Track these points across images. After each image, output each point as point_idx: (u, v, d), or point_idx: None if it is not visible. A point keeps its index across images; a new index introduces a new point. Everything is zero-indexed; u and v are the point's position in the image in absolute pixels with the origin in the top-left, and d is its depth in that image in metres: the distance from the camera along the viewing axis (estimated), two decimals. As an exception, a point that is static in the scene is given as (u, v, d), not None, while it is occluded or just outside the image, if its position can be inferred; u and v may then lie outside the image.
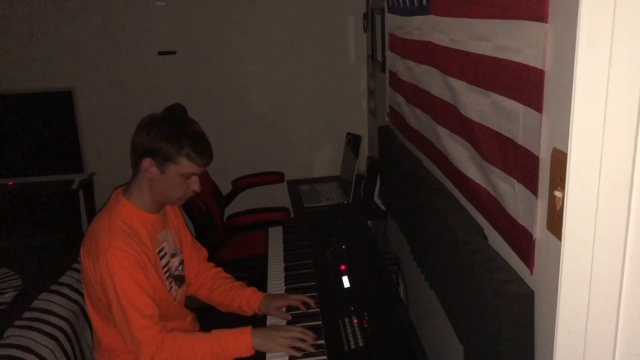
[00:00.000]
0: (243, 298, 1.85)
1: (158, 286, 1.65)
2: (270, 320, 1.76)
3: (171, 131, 1.59)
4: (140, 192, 1.66)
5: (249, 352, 1.58)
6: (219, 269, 1.99)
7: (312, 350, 1.55)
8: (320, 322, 1.69)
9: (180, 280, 1.83)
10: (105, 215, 1.64)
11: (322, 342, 1.60)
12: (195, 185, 1.65)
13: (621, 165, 0.76)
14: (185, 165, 1.59)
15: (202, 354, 1.56)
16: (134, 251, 1.56)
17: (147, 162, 1.59)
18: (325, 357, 1.53)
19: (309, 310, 1.76)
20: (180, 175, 1.61)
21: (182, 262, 1.86)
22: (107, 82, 3.34)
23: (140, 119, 1.68)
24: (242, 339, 1.58)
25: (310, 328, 1.65)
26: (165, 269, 1.73)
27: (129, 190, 1.68)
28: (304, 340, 1.57)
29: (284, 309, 1.79)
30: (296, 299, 1.79)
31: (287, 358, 1.55)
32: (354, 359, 1.50)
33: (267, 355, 1.57)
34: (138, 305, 1.54)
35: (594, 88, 0.75)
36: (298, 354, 1.54)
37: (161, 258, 1.72)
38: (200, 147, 1.61)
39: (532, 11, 0.93)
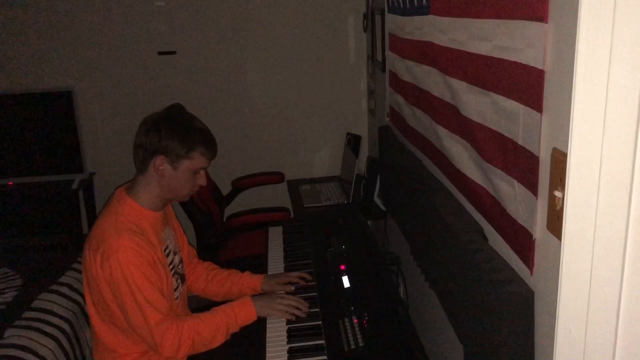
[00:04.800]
0: (243, 281, 1.94)
1: (167, 283, 1.69)
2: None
3: (182, 129, 1.66)
4: (147, 191, 1.69)
5: (254, 319, 1.73)
6: (208, 262, 2.06)
7: (305, 316, 1.72)
8: (320, 322, 1.69)
9: (182, 277, 1.86)
10: (111, 215, 1.65)
11: (322, 342, 1.60)
12: (202, 179, 1.74)
13: (621, 165, 0.76)
14: (197, 160, 1.68)
15: (215, 329, 1.67)
16: (143, 250, 1.60)
17: (159, 160, 1.64)
18: (325, 357, 1.53)
19: (309, 311, 1.76)
20: (192, 170, 1.68)
21: (181, 260, 1.88)
22: (107, 82, 3.34)
23: (142, 120, 1.70)
24: (247, 308, 1.73)
25: (310, 328, 1.66)
26: (170, 266, 1.76)
27: (134, 189, 1.69)
28: (299, 310, 1.74)
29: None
30: (295, 276, 1.93)
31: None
32: (354, 359, 1.50)
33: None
34: (153, 301, 1.60)
35: (594, 88, 0.75)
36: (293, 318, 1.72)
37: (167, 255, 1.75)
38: (210, 141, 1.71)
39: (532, 11, 0.93)
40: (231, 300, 1.78)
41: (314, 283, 1.89)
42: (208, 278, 1.98)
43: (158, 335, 1.60)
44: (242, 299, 1.76)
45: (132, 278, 1.57)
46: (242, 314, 1.71)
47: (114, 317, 1.66)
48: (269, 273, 2.02)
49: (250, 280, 1.94)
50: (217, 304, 1.79)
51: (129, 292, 1.57)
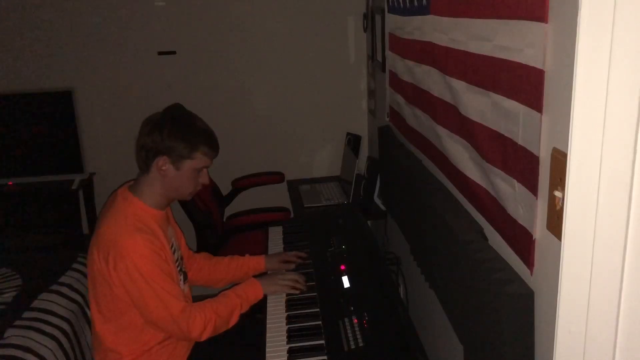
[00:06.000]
0: (248, 263, 2.06)
1: (176, 279, 1.72)
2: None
3: (185, 130, 1.68)
4: (151, 190, 1.70)
5: (260, 296, 1.84)
6: (204, 253, 2.13)
7: (305, 289, 1.87)
8: (320, 322, 1.69)
9: (185, 275, 1.88)
10: (119, 215, 1.66)
11: (322, 342, 1.60)
12: (205, 178, 1.76)
13: (621, 165, 0.76)
14: (200, 159, 1.69)
15: (231, 309, 1.75)
16: (156, 247, 1.63)
17: (161, 161, 1.65)
18: (325, 357, 1.53)
19: (309, 311, 1.76)
20: (194, 169, 1.70)
21: (182, 257, 1.90)
22: (107, 82, 3.34)
23: (144, 120, 1.71)
24: (256, 287, 1.83)
25: (310, 328, 1.67)
26: (177, 264, 1.78)
27: (138, 189, 1.70)
28: (299, 283, 1.88)
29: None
30: (292, 254, 2.08)
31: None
32: (354, 359, 1.50)
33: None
34: (172, 291, 1.65)
35: (594, 88, 0.75)
36: (294, 291, 1.87)
37: (173, 253, 1.77)
38: (212, 141, 1.73)
39: (532, 11, 0.93)
40: (236, 284, 1.86)
41: (314, 283, 1.91)
42: (211, 266, 2.04)
43: (184, 321, 1.65)
44: (249, 280, 1.86)
45: (150, 275, 1.60)
46: (251, 293, 1.81)
47: (120, 317, 1.68)
48: (268, 254, 2.15)
49: (253, 261, 2.06)
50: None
51: (148, 288, 1.60)
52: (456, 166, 1.43)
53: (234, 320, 1.76)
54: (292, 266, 2.03)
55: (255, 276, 1.96)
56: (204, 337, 1.71)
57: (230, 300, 1.77)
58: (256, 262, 2.06)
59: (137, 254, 1.58)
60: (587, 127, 0.77)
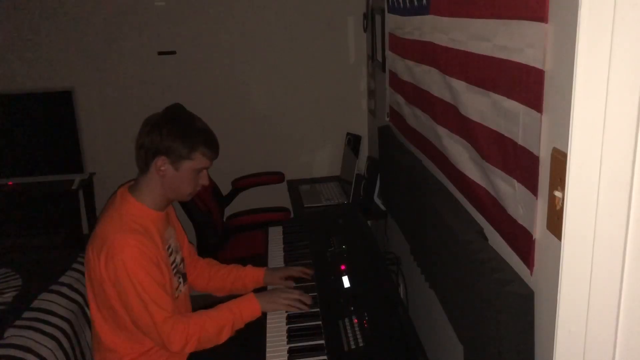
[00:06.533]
0: (247, 275, 1.97)
1: (170, 282, 1.70)
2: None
3: (184, 130, 1.66)
4: (150, 191, 1.69)
5: (258, 315, 1.74)
6: (209, 259, 2.07)
7: (308, 310, 1.74)
8: (320, 322, 1.69)
9: (184, 276, 1.87)
10: (115, 214, 1.65)
11: (322, 342, 1.60)
12: (204, 179, 1.73)
13: (621, 165, 0.76)
14: (199, 160, 1.67)
15: (221, 325, 1.68)
16: (148, 249, 1.61)
17: (160, 161, 1.64)
18: (325, 357, 1.53)
19: (310, 310, 1.76)
20: (194, 170, 1.68)
21: (182, 259, 1.89)
22: (107, 82, 3.34)
23: (144, 120, 1.71)
24: (252, 304, 1.74)
25: (310, 328, 1.66)
26: (172, 266, 1.77)
27: (137, 189, 1.70)
28: (302, 302, 1.75)
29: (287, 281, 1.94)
30: (297, 270, 1.95)
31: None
32: (354, 359, 1.50)
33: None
34: (158, 300, 1.61)
35: (594, 88, 0.75)
36: (296, 310, 1.74)
37: (170, 255, 1.75)
38: (212, 142, 1.71)
39: (532, 11, 0.93)
40: (235, 295, 1.81)
41: (314, 283, 1.90)
42: (210, 274, 2.00)
43: (164, 332, 1.62)
44: (247, 296, 1.77)
45: (137, 277, 1.57)
46: (247, 310, 1.73)
47: (117, 316, 1.67)
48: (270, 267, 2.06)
49: (252, 274, 1.97)
50: (221, 299, 1.80)
51: (134, 291, 1.58)
52: (456, 166, 1.43)
53: (224, 336, 1.69)
54: (292, 284, 1.91)
55: (257, 290, 1.89)
56: (187, 351, 1.66)
57: (221, 315, 1.69)
58: (255, 276, 1.97)
59: (127, 254, 1.57)
60: (587, 127, 0.77)
